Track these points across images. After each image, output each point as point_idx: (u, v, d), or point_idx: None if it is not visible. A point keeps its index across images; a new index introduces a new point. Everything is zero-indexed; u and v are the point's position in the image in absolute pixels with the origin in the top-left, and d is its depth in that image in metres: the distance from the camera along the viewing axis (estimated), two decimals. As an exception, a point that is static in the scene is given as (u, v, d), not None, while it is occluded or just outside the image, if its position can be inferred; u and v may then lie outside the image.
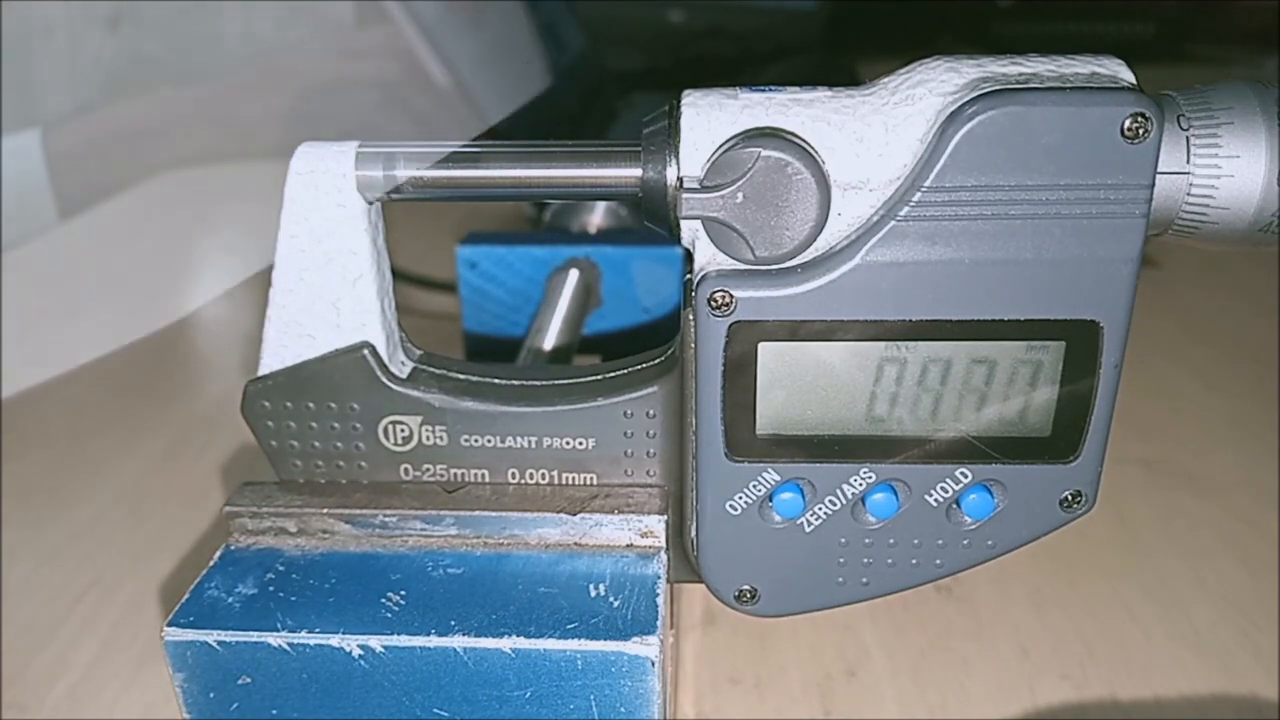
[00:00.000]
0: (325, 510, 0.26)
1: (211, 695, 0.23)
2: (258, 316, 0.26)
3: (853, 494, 0.24)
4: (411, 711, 0.23)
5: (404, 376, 0.26)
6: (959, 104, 0.21)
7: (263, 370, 0.26)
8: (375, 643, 0.23)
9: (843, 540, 0.25)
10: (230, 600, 0.24)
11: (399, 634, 0.23)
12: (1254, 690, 0.33)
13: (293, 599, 0.24)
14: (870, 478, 0.24)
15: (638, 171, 0.23)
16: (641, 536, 0.25)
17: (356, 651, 0.23)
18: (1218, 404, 0.52)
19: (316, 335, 0.26)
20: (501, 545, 0.26)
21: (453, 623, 0.23)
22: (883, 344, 0.23)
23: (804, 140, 0.22)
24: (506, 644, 0.22)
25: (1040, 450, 0.24)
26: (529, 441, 0.27)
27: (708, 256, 0.22)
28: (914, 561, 0.25)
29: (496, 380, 0.27)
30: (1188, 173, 0.22)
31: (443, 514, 0.26)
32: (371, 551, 0.26)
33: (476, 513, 0.26)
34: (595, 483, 0.27)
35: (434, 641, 0.23)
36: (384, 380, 0.26)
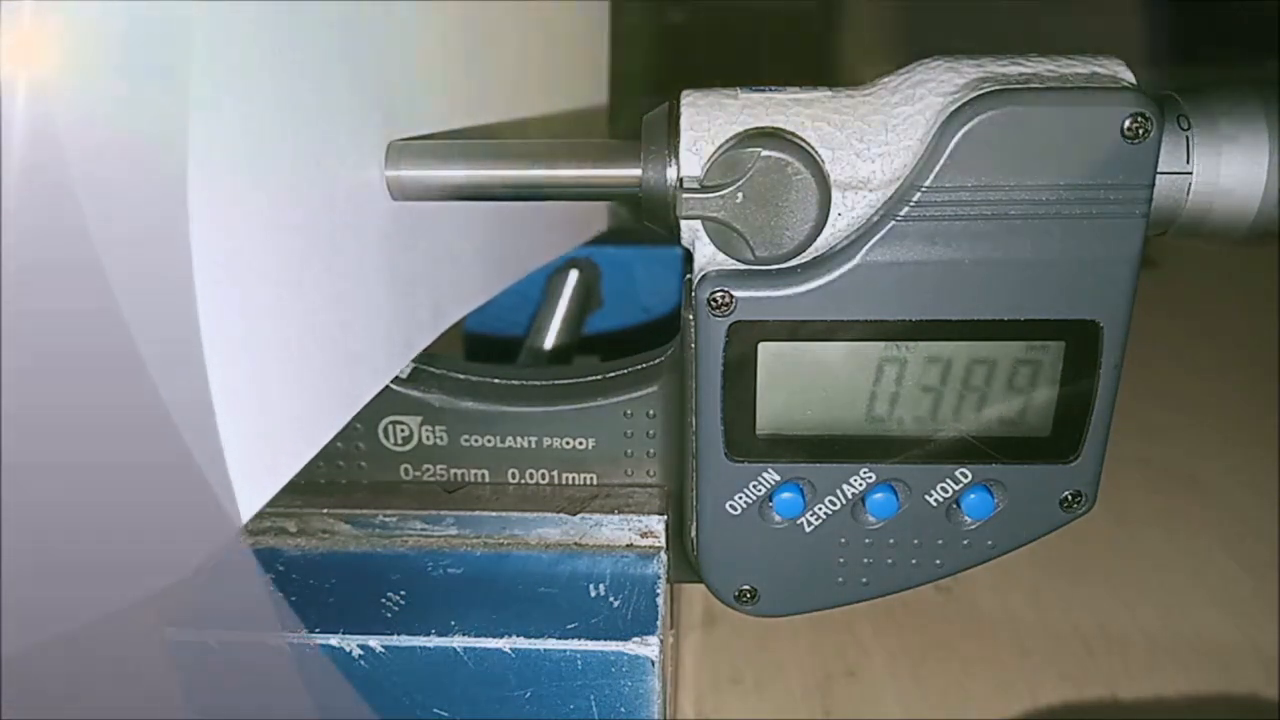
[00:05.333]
0: (325, 510, 0.26)
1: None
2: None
3: (853, 494, 0.24)
4: (411, 711, 0.23)
5: (404, 376, 0.26)
6: (959, 104, 0.21)
7: (263, 370, 0.26)
8: (375, 643, 0.23)
9: (842, 540, 0.25)
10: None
11: (399, 634, 0.23)
12: (1254, 690, 0.33)
13: (293, 599, 0.24)
14: (870, 478, 0.24)
15: (638, 171, 0.23)
16: (641, 536, 0.25)
17: (356, 651, 0.23)
18: (1218, 404, 0.52)
19: (316, 335, 0.26)
20: (501, 545, 0.26)
21: (453, 623, 0.23)
22: (883, 344, 0.23)
23: (804, 140, 0.22)
24: (506, 644, 0.22)
25: (1040, 450, 0.24)
26: (529, 441, 0.26)
27: (708, 256, 0.22)
28: (914, 561, 0.25)
29: (496, 380, 0.27)
30: (1189, 173, 0.22)
31: (443, 514, 0.26)
32: (371, 551, 0.26)
33: (476, 513, 0.26)
34: (595, 483, 0.27)
35: (434, 641, 0.23)
36: (384, 380, 0.26)
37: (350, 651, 0.23)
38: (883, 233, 0.21)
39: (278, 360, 0.19)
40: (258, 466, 0.18)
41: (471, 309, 0.29)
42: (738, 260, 0.22)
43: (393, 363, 0.24)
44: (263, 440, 0.18)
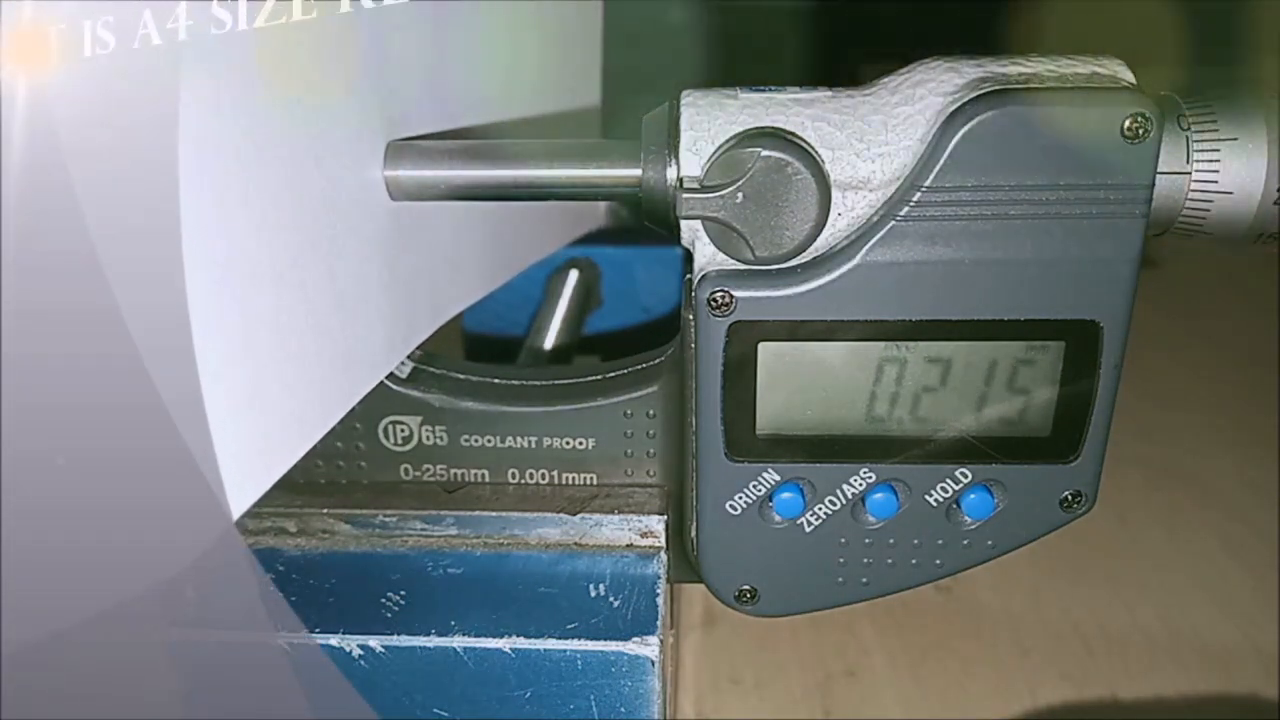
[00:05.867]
0: (325, 510, 0.26)
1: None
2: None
3: (853, 494, 0.24)
4: (411, 711, 0.23)
5: (404, 376, 0.26)
6: (959, 104, 0.21)
7: (263, 370, 0.26)
8: (375, 643, 0.23)
9: (843, 540, 0.25)
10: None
11: (399, 634, 0.23)
12: (1254, 690, 0.33)
13: (293, 599, 0.24)
14: (870, 478, 0.24)
15: (637, 171, 0.23)
16: (641, 536, 0.25)
17: (356, 651, 0.23)
18: (1218, 404, 0.52)
19: (316, 335, 0.26)
20: (501, 545, 0.26)
21: (453, 623, 0.23)
22: (883, 344, 0.23)
23: (804, 140, 0.22)
24: (506, 644, 0.22)
25: (1040, 450, 0.24)
26: (529, 441, 0.26)
27: (708, 256, 0.22)
28: (914, 561, 0.25)
29: (496, 380, 0.27)
30: (1188, 173, 0.22)
31: (443, 514, 0.26)
32: (371, 551, 0.26)
33: (476, 513, 0.26)
34: (595, 483, 0.27)
35: (434, 641, 0.23)
36: (384, 380, 0.26)
37: (350, 651, 0.23)
38: (883, 233, 0.21)
39: (274, 359, 0.19)
40: (252, 462, 0.18)
41: (469, 304, 0.29)
42: (738, 260, 0.22)
43: (390, 359, 0.24)
44: (257, 436, 0.18)
